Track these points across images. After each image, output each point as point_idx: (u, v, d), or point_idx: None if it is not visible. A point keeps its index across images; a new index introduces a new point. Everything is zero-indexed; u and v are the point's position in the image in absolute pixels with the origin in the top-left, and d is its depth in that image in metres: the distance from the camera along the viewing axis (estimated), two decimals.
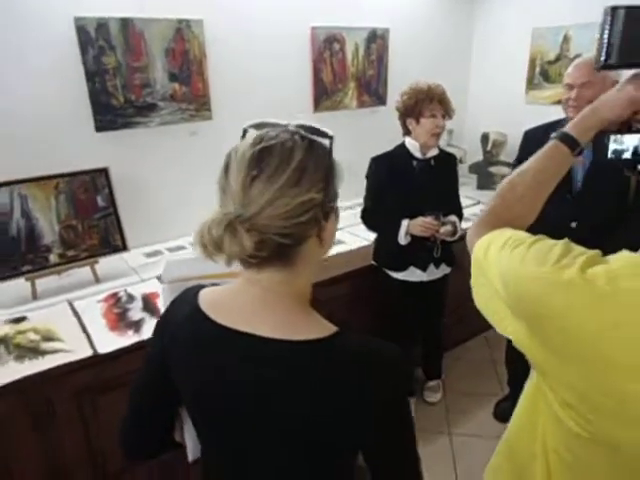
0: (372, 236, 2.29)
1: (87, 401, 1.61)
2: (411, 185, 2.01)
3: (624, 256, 0.56)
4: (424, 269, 2.11)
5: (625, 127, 0.79)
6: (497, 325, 0.65)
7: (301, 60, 2.71)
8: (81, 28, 2.01)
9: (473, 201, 3.17)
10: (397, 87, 3.06)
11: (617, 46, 0.73)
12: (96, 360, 1.57)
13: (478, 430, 2.33)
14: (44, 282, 1.96)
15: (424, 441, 2.28)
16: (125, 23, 2.11)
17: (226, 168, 0.65)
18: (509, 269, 0.64)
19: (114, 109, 2.17)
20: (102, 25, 2.06)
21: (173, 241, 2.47)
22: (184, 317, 0.74)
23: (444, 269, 2.17)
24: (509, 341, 2.21)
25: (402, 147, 2.07)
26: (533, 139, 1.97)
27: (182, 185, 2.43)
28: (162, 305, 1.69)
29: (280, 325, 0.66)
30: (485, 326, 0.80)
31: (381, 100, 3.09)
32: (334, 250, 2.39)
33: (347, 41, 2.81)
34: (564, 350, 0.57)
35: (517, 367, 2.33)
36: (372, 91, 3.02)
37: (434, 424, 2.38)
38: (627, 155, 0.77)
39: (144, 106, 2.25)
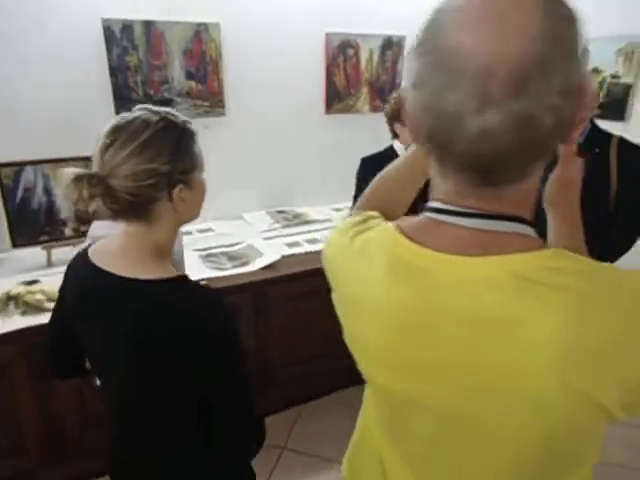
0: None
1: None
2: None
3: (383, 227, 0.66)
4: None
5: None
6: (333, 293, 0.77)
7: (314, 64, 2.86)
8: (107, 28, 2.25)
9: None
10: None
11: None
12: None
13: None
14: (59, 252, 2.21)
15: None
16: (148, 25, 2.33)
17: (98, 138, 0.82)
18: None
19: (134, 102, 2.39)
20: (127, 26, 2.29)
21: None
22: (75, 261, 0.93)
23: None
24: None
25: (390, 149, 2.17)
26: None
27: None
28: None
29: (131, 267, 0.85)
30: None
31: None
32: None
33: (361, 47, 2.93)
34: (340, 300, 0.69)
35: None
36: (385, 96, 3.12)
37: None
38: None
39: (161, 100, 2.47)
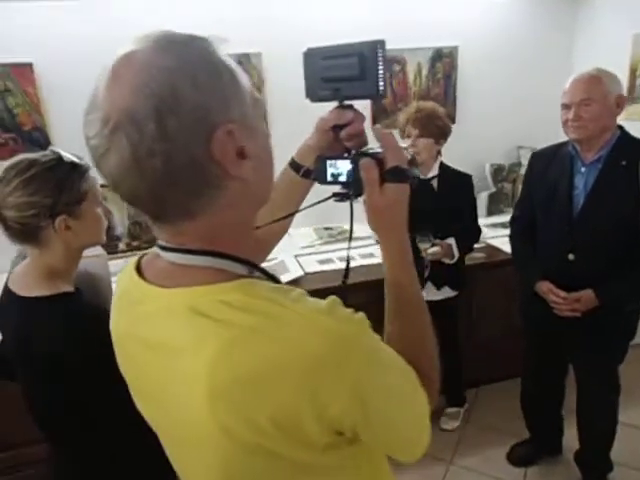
0: None
1: None
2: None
3: (133, 259, 0.68)
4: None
5: (342, 152, 0.84)
6: None
7: None
8: None
9: None
10: (469, 105, 3.03)
11: (307, 85, 0.83)
12: None
13: (482, 467, 2.19)
14: (113, 264, 2.53)
15: (418, 463, 2.22)
16: None
17: None
18: None
19: None
20: None
21: None
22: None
23: (447, 292, 2.12)
24: (523, 383, 2.09)
25: None
26: (539, 161, 1.83)
27: None
28: None
29: (26, 285, 0.98)
30: None
31: (449, 118, 3.03)
32: (365, 261, 2.54)
33: (408, 62, 2.87)
34: None
35: (533, 411, 2.14)
36: None
37: (437, 450, 2.29)
38: (342, 179, 0.82)
39: None
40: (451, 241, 2.00)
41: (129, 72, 0.49)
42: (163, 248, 0.59)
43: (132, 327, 0.61)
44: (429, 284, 2.10)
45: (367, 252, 2.66)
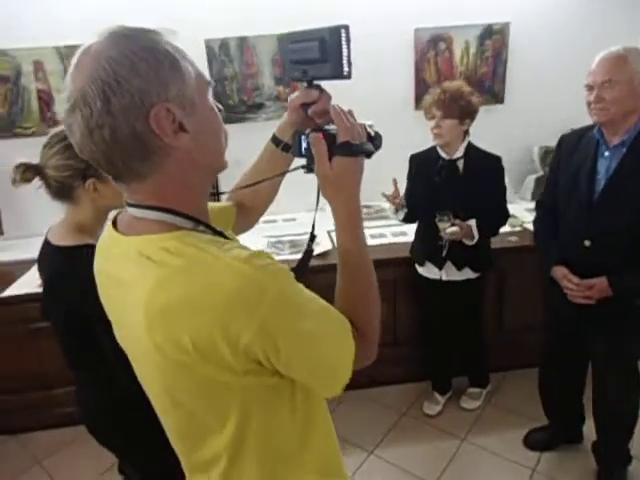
0: None
1: None
2: (430, 184, 2.06)
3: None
4: (439, 267, 2.13)
5: (316, 128, 0.91)
6: None
7: (403, 60, 2.87)
8: (209, 47, 2.70)
9: None
10: (520, 85, 2.93)
11: (284, 65, 0.91)
12: None
13: (495, 447, 2.21)
14: None
15: (432, 437, 2.30)
16: (241, 41, 2.71)
17: None
18: None
19: (230, 107, 2.82)
20: (224, 44, 2.71)
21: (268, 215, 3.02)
22: None
23: (468, 273, 2.12)
24: (541, 371, 2.07)
25: (435, 147, 2.12)
26: (566, 144, 1.79)
27: None
28: None
29: (57, 236, 1.17)
30: None
31: (497, 98, 2.97)
32: (396, 239, 2.60)
33: (455, 39, 2.82)
34: None
35: (551, 398, 2.13)
36: (485, 89, 2.93)
37: (452, 426, 2.34)
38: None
39: (254, 105, 2.84)
40: (472, 222, 2.00)
41: (86, 61, 0.62)
42: (128, 204, 0.72)
43: (105, 266, 0.76)
44: (449, 264, 2.11)
45: (378, 232, 2.71)
